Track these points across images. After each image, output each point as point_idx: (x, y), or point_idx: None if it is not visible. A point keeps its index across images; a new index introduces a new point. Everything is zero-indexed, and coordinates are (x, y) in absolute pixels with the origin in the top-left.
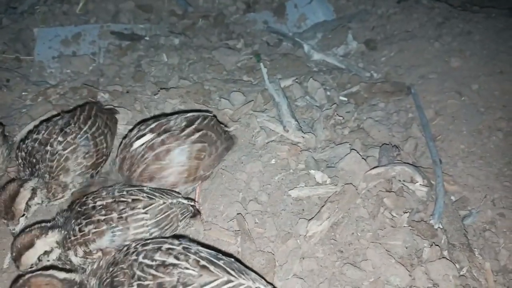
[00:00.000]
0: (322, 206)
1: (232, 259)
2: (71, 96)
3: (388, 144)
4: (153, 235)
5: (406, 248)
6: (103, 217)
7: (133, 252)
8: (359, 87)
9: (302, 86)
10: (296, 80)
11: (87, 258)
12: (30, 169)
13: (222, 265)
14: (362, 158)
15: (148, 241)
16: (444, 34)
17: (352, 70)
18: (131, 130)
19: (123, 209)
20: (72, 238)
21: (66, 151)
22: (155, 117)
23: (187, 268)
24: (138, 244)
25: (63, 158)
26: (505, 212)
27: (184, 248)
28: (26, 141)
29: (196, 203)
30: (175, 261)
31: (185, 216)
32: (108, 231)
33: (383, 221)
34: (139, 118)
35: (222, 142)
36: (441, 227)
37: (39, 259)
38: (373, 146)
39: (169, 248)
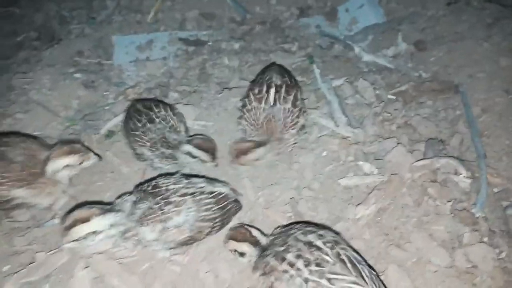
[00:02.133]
0: (370, 193)
1: None
2: (146, 96)
3: (434, 139)
4: (217, 220)
5: (448, 233)
6: (179, 199)
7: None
8: (407, 86)
9: (353, 86)
10: (347, 80)
11: (162, 235)
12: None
13: None
14: (408, 151)
15: None
16: (494, 34)
17: (401, 70)
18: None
19: (193, 193)
20: (151, 216)
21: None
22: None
23: None
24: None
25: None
26: None
27: None
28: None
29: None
30: None
31: (236, 210)
32: (184, 211)
33: (427, 209)
34: (205, 115)
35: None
36: (483, 215)
37: (85, 237)
38: (420, 141)
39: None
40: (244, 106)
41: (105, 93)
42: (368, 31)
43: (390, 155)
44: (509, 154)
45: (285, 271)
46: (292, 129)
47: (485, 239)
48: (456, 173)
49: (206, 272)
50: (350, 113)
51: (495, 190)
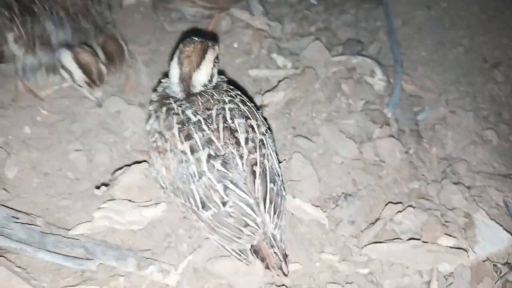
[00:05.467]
0: (280, 81)
1: None
2: None
3: (353, 40)
4: None
5: (358, 127)
6: None
7: None
8: None
9: None
10: None
11: None
12: None
13: None
14: (326, 48)
15: None
16: None
17: None
18: None
19: None
20: None
21: None
22: None
23: None
24: None
25: None
26: (457, 110)
27: None
28: None
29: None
30: None
31: None
32: None
33: (339, 105)
34: None
35: None
36: (394, 117)
37: None
38: (338, 44)
39: None
40: None
41: None
42: None
43: (306, 51)
44: (424, 64)
45: (183, 152)
46: None
47: (394, 135)
48: (372, 74)
49: (77, 150)
50: (270, 11)
51: (408, 95)
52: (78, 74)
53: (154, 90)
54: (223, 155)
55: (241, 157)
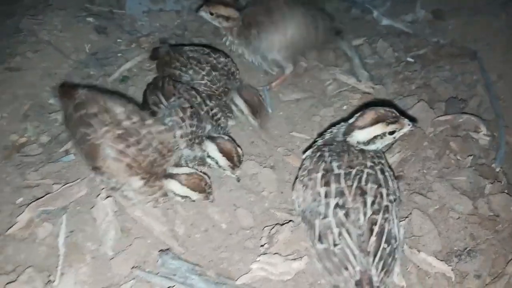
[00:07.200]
0: (393, 143)
1: None
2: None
3: (455, 98)
4: None
5: (470, 183)
6: None
7: None
8: (426, 50)
9: (372, 47)
10: (366, 41)
11: None
12: None
13: None
14: (430, 107)
15: None
16: (510, 11)
17: (419, 35)
18: None
19: None
20: None
21: None
22: None
23: None
24: None
25: None
26: None
27: None
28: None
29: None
30: None
31: None
32: None
33: (448, 162)
34: None
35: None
36: (502, 170)
37: None
38: (440, 100)
39: None
40: None
41: (118, 40)
42: None
43: (412, 110)
44: None
45: (319, 194)
46: None
47: (506, 190)
48: (476, 130)
49: (224, 209)
50: (370, 72)
51: None
52: (223, 161)
53: (322, 135)
54: (349, 208)
55: (364, 214)
